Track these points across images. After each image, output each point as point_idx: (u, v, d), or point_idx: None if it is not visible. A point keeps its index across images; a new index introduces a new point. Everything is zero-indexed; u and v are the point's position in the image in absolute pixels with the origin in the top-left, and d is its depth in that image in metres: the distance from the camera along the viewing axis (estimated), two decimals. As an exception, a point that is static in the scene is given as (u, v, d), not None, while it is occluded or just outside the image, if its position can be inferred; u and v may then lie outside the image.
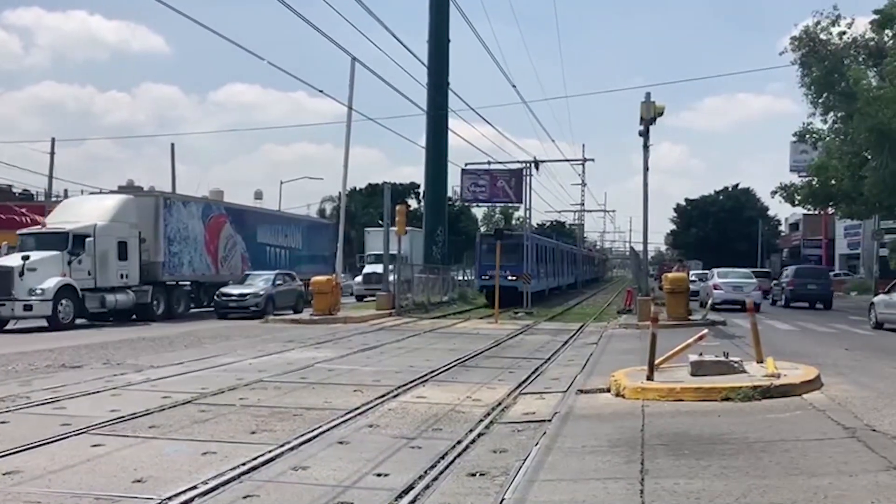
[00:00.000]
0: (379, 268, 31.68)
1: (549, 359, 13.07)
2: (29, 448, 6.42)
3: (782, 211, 76.88)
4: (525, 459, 6.01)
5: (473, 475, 5.67)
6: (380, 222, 34.33)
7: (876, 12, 27.24)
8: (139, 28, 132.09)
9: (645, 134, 21.14)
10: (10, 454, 6.21)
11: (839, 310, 27.95)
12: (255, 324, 21.42)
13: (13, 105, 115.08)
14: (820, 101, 28.15)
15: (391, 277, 26.72)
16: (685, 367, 9.30)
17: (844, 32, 27.55)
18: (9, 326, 19.64)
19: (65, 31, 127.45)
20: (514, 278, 29.19)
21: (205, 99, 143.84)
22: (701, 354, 9.40)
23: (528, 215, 34.89)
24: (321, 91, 45.36)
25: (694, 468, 5.59)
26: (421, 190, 37.25)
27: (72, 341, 15.81)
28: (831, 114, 28.77)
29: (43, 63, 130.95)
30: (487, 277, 29.66)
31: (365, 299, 33.90)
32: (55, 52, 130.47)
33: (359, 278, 37.55)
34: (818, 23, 27.41)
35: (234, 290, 24.68)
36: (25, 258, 19.42)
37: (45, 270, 19.76)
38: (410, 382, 10.17)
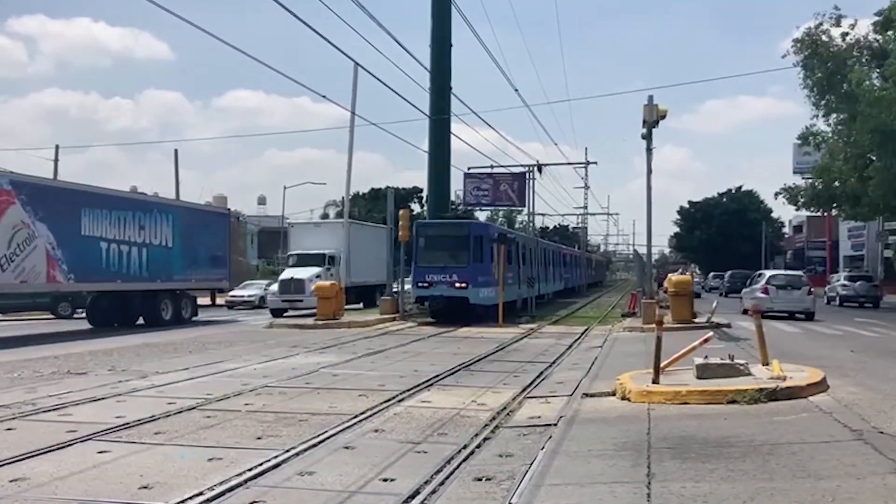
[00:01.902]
0: (303, 272, 27.38)
1: (553, 362, 13.05)
2: (35, 455, 6.43)
3: (786, 213, 76.82)
4: (531, 464, 6.00)
5: (479, 480, 5.66)
6: (315, 219, 30.54)
7: (878, 13, 27.23)
8: (143, 34, 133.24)
9: (648, 137, 21.11)
10: (16, 461, 6.22)
11: (832, 313, 27.75)
12: (260, 329, 21.43)
13: (17, 113, 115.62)
14: (822, 102, 28.16)
15: (395, 283, 26.55)
16: (690, 370, 9.29)
17: (846, 34, 27.58)
18: None
19: (69, 39, 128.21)
20: (461, 285, 22.08)
21: (208, 105, 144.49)
22: (706, 357, 9.39)
23: (531, 219, 34.77)
24: (324, 96, 45.66)
25: (700, 471, 5.57)
26: (424, 194, 37.12)
27: (74, 348, 15.82)
28: (834, 115, 28.76)
29: (47, 70, 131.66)
30: (427, 284, 22.55)
31: (285, 314, 27.00)
32: (59, 60, 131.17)
33: (274, 287, 29.37)
34: (820, 24, 27.44)
35: None
36: None
37: None
38: (415, 387, 10.16)
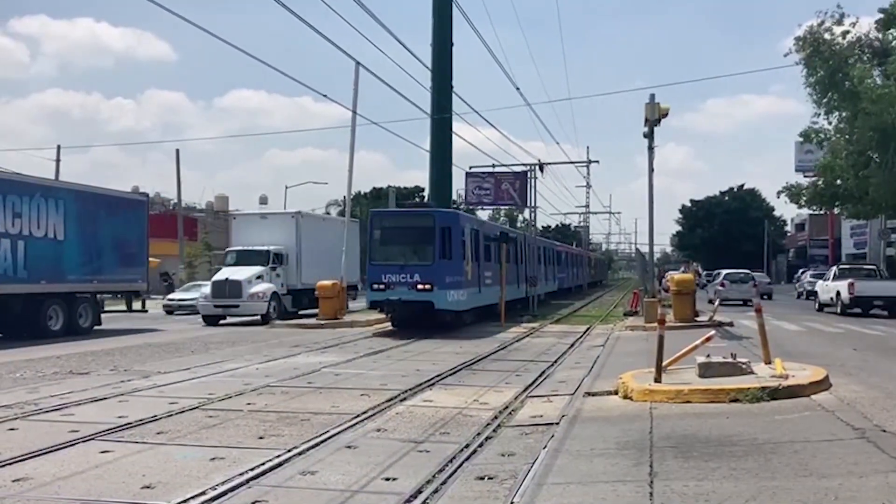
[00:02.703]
0: (241, 272, 23.13)
1: (555, 361, 13.05)
2: (37, 455, 6.43)
3: (788, 211, 76.97)
4: (533, 463, 6.00)
5: (482, 479, 5.66)
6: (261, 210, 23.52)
7: (881, 11, 27.19)
8: (145, 35, 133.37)
9: (650, 135, 21.10)
10: (18, 461, 6.23)
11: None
12: (261, 329, 21.44)
13: (19, 113, 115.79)
14: (824, 100, 28.10)
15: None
16: (693, 369, 9.28)
17: (848, 32, 27.52)
18: None
19: (71, 39, 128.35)
20: (425, 287, 18.56)
21: (210, 105, 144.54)
22: (708, 356, 9.38)
23: (533, 218, 34.72)
24: (325, 96, 45.55)
25: (703, 470, 5.57)
26: (425, 193, 36.98)
27: (76, 348, 15.83)
28: (836, 113, 28.71)
29: (49, 71, 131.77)
30: (382, 286, 18.89)
31: (221, 322, 23.44)
32: (61, 60, 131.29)
33: (206, 289, 24.19)
34: (822, 23, 27.39)
35: None
36: None
37: None
38: (417, 386, 10.17)
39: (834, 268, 27.37)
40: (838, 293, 24.42)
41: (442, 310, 18.84)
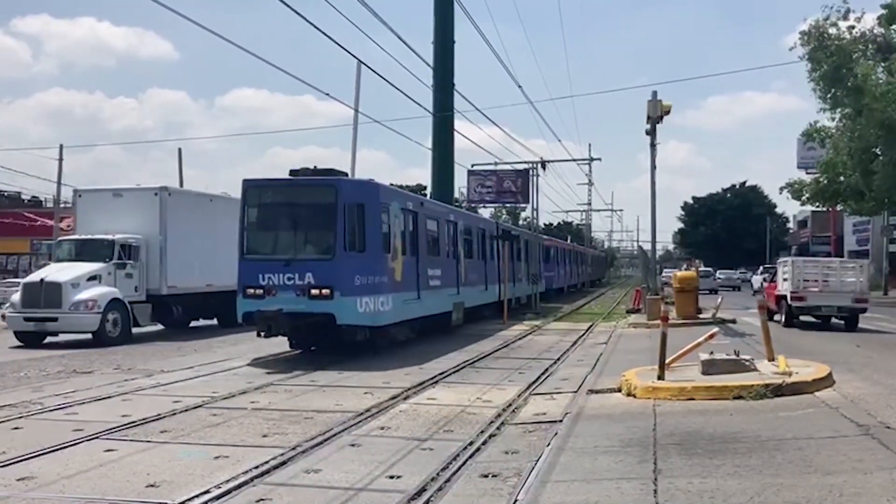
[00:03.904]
0: (66, 272, 16.55)
1: (558, 359, 13.05)
2: (42, 454, 6.45)
3: (790, 208, 76.74)
4: (537, 460, 6.00)
5: (486, 476, 5.66)
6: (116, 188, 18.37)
7: (884, 7, 27.10)
8: (147, 34, 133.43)
9: (652, 133, 21.10)
10: (23, 460, 6.24)
11: None
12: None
13: (22, 112, 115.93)
14: (829, 96, 28.03)
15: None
16: (696, 366, 9.27)
17: (853, 27, 27.45)
18: None
19: (73, 38, 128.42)
20: (321, 291, 12.77)
21: (212, 104, 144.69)
22: (712, 353, 9.37)
23: (535, 215, 34.66)
24: (327, 94, 45.25)
25: (707, 467, 5.56)
26: (428, 191, 36.99)
27: (79, 347, 15.83)
28: (839, 109, 28.65)
29: (51, 70, 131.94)
30: (260, 291, 12.98)
31: (47, 342, 16.56)
32: (63, 60, 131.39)
33: (16, 296, 16.91)
34: (827, 17, 27.31)
35: None
36: None
37: None
38: (420, 384, 10.17)
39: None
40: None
41: (349, 325, 12.96)
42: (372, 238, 13.53)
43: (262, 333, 13.03)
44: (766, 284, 23.94)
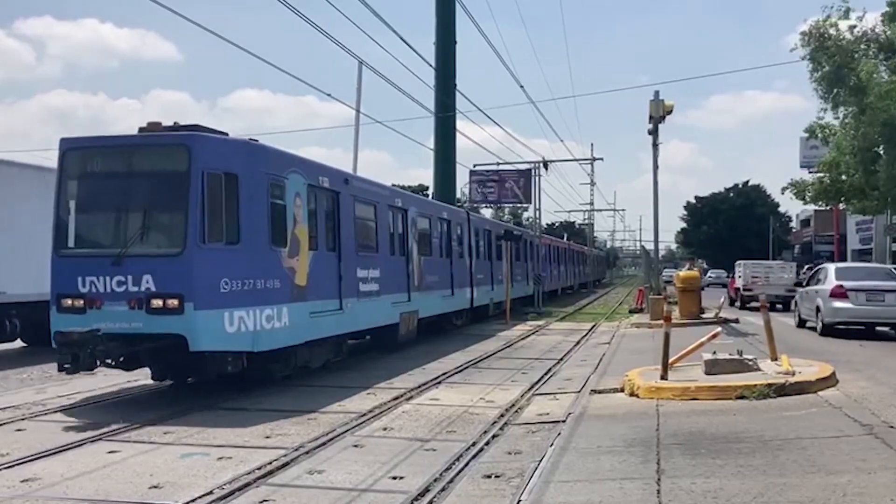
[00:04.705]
0: None
1: (561, 359, 13.04)
2: (46, 455, 6.46)
3: (793, 207, 76.46)
4: (540, 460, 6.00)
5: (489, 477, 5.66)
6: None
7: (889, 4, 27.02)
8: (150, 35, 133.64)
9: (654, 132, 21.06)
10: (27, 461, 6.25)
11: None
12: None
13: (25, 114, 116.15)
14: (831, 96, 27.98)
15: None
16: (699, 366, 9.26)
17: (854, 26, 27.38)
18: None
19: (76, 40, 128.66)
20: (167, 303, 8.71)
21: (215, 105, 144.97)
22: (715, 353, 9.35)
23: (537, 215, 34.63)
24: (329, 95, 45.33)
25: (710, 467, 5.55)
26: (430, 192, 36.92)
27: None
28: (842, 109, 28.60)
29: (54, 72, 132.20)
30: (81, 303, 8.89)
31: None
32: (66, 61, 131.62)
33: None
34: (828, 17, 27.24)
35: None
36: None
37: None
38: (423, 385, 10.17)
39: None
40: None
41: (211, 353, 9.04)
42: (251, 223, 9.45)
43: (66, 367, 8.42)
44: (729, 280, 30.91)
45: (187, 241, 8.82)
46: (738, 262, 27.70)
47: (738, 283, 25.80)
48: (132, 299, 8.71)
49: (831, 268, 17.51)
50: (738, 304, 25.32)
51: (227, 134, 9.95)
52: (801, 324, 17.66)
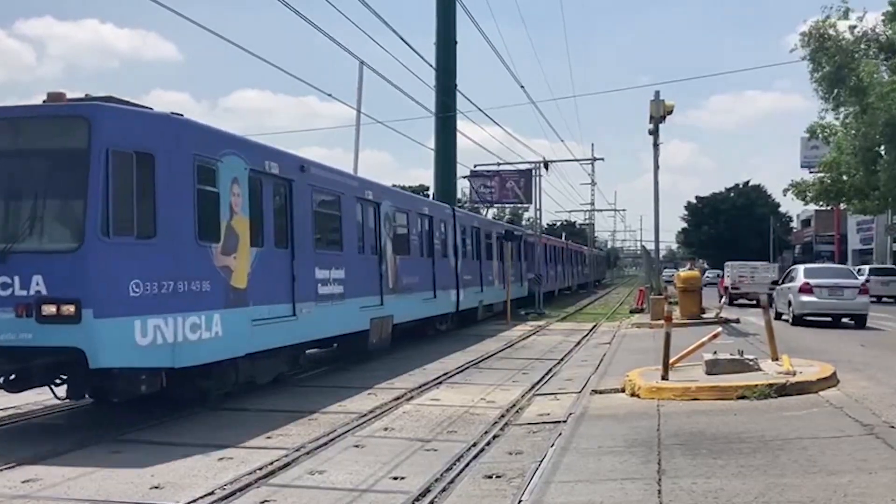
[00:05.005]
0: None
1: (562, 359, 13.05)
2: (46, 456, 6.46)
3: (794, 207, 76.47)
4: (541, 461, 6.00)
5: (490, 477, 5.66)
6: None
7: (891, 4, 27.01)
8: (150, 35, 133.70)
9: (655, 132, 21.07)
10: (29, 462, 6.25)
11: None
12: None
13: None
14: (831, 96, 27.99)
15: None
16: (700, 366, 9.26)
17: (854, 26, 27.38)
18: None
19: (77, 41, 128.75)
20: (61, 310, 7.07)
21: (216, 105, 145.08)
22: (715, 353, 9.35)
23: (538, 216, 34.61)
24: (330, 95, 45.18)
25: (711, 467, 5.56)
26: (430, 192, 36.85)
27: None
28: (842, 109, 28.61)
29: (55, 72, 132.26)
30: None
31: None
32: (67, 62, 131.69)
33: None
34: (827, 17, 27.24)
35: None
36: None
37: None
38: (424, 385, 10.18)
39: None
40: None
41: (119, 369, 7.55)
42: (171, 213, 7.92)
43: None
44: (719, 279, 33.05)
45: (86, 233, 7.26)
46: (726, 263, 29.89)
47: (727, 282, 28.16)
48: (19, 305, 7.10)
49: (801, 268, 20.03)
50: (725, 300, 27.29)
51: (150, 109, 8.37)
52: (778, 316, 19.04)
